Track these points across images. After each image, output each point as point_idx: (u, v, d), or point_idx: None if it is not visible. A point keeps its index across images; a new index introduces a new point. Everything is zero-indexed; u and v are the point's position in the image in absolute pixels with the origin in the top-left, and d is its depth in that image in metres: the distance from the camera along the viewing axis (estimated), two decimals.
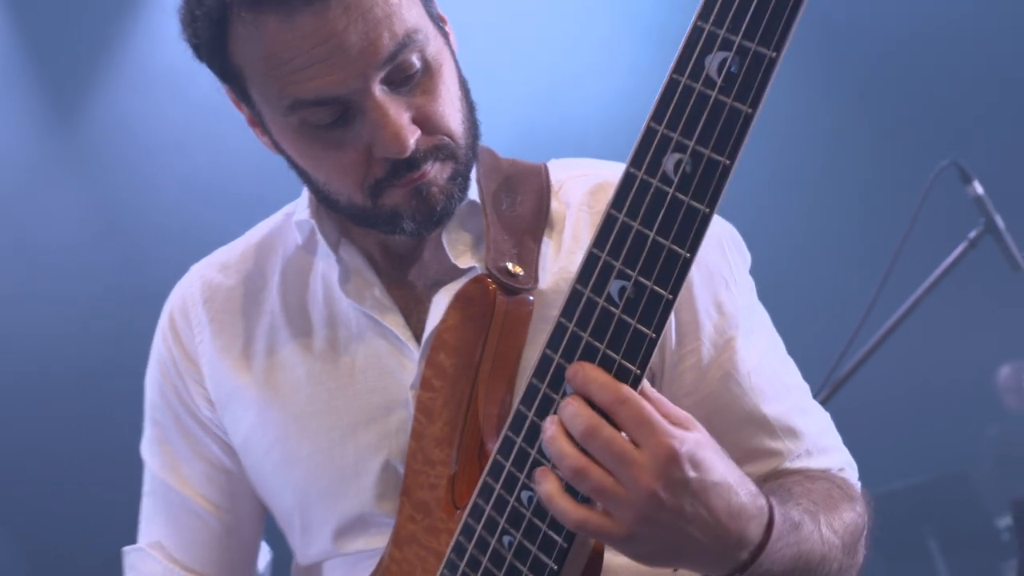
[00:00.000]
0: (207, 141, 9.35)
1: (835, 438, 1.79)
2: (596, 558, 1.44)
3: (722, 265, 1.70)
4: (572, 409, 1.29)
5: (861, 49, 8.88)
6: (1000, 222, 3.96)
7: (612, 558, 1.48)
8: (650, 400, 1.30)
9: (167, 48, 9.68)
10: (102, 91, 9.80)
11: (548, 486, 1.32)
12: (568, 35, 8.29)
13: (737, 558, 1.35)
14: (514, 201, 1.72)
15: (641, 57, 9.18)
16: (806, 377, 1.84)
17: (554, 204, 1.74)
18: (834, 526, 1.55)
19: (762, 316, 1.81)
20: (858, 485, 1.75)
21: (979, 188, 3.98)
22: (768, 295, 1.85)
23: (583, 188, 1.76)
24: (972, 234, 3.94)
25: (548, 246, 1.70)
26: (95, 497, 7.71)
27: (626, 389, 1.29)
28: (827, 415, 1.81)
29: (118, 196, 9.46)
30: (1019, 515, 4.70)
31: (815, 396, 1.91)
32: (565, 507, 1.30)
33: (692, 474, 1.27)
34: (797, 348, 1.89)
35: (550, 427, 1.32)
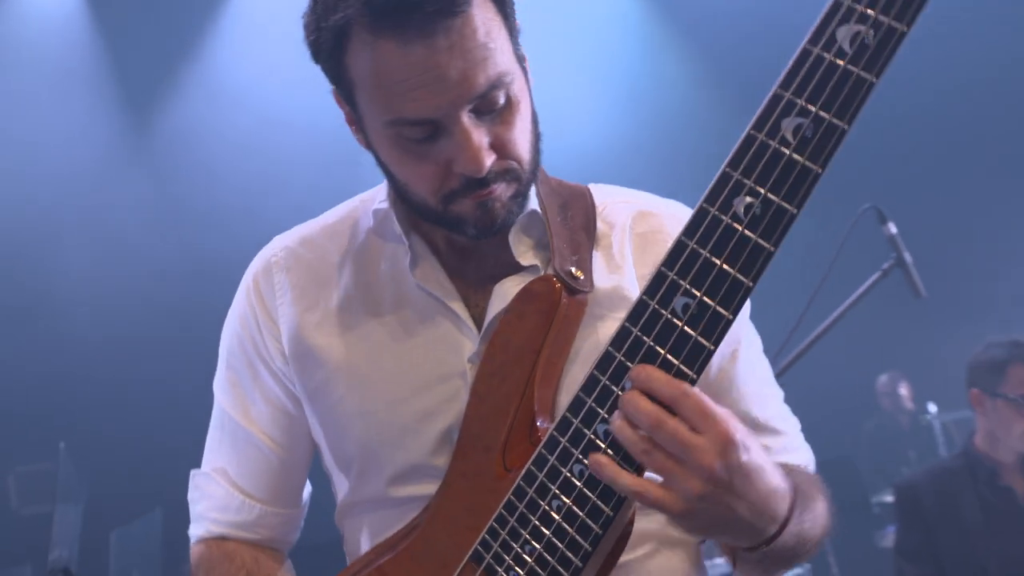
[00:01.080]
0: (263, 148, 9.55)
1: (802, 438, 1.94)
2: (629, 528, 1.55)
3: None
4: (637, 403, 1.39)
5: None
6: (908, 257, 4.25)
7: None
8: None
9: (236, 64, 9.87)
10: (175, 97, 10.03)
11: (606, 459, 1.43)
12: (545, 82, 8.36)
13: (768, 531, 1.48)
14: (566, 216, 1.81)
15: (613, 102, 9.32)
16: None
17: (599, 223, 1.84)
18: (815, 512, 1.68)
19: (751, 326, 1.94)
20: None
21: (893, 228, 4.28)
22: None
23: (627, 213, 1.86)
24: (885, 265, 4.23)
25: (597, 258, 1.80)
26: (152, 433, 8.22)
27: (687, 386, 1.40)
28: (796, 419, 1.95)
29: (181, 189, 9.74)
30: (900, 497, 4.97)
31: None
32: (624, 477, 1.41)
33: (744, 458, 1.39)
34: None
35: (617, 419, 1.43)
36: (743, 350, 1.85)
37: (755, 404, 1.84)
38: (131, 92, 9.69)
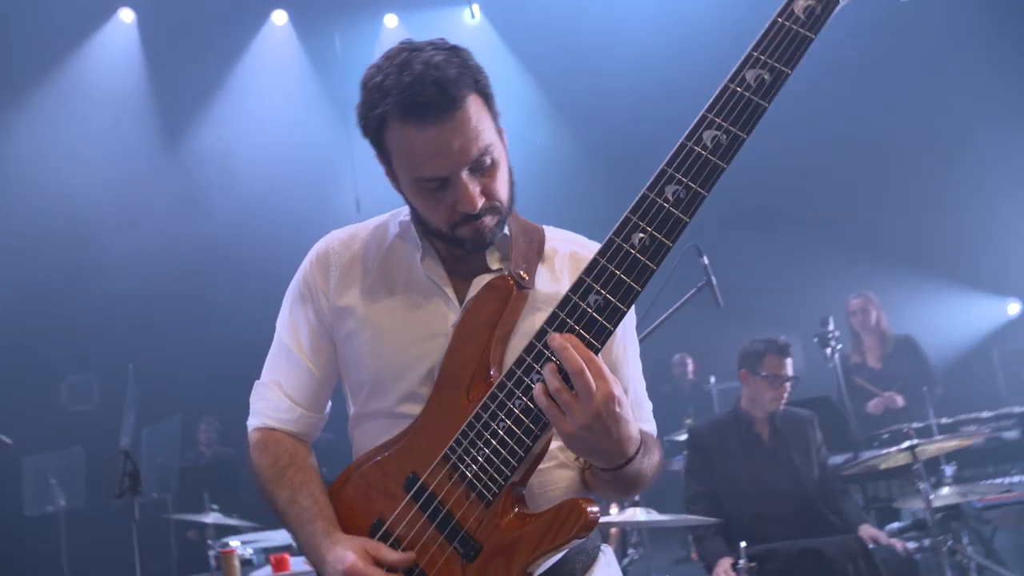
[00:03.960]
0: (271, 164, 9.24)
1: (652, 420, 2.03)
2: (547, 447, 1.68)
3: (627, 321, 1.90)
4: (572, 355, 1.52)
5: (628, 151, 9.12)
6: (714, 279, 4.30)
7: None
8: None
9: (254, 94, 9.66)
10: (204, 120, 9.77)
11: (539, 389, 1.56)
12: None
13: (619, 461, 1.62)
14: (523, 239, 1.89)
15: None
16: None
17: (547, 248, 1.93)
18: (652, 461, 1.80)
19: (634, 336, 2.03)
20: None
21: (706, 260, 4.35)
22: None
23: (567, 247, 1.95)
24: (699, 284, 4.28)
25: (542, 271, 1.89)
26: (170, 362, 8.15)
27: (592, 353, 1.55)
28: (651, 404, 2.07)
29: (204, 192, 9.43)
30: (691, 435, 5.21)
31: None
32: (545, 401, 1.55)
33: (618, 409, 1.54)
34: None
35: (549, 366, 1.55)
36: (630, 349, 1.96)
37: (631, 385, 1.94)
38: (168, 115, 9.51)
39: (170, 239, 9.02)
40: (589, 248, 1.92)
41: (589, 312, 1.56)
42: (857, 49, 7.76)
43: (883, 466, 4.75)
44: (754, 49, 1.54)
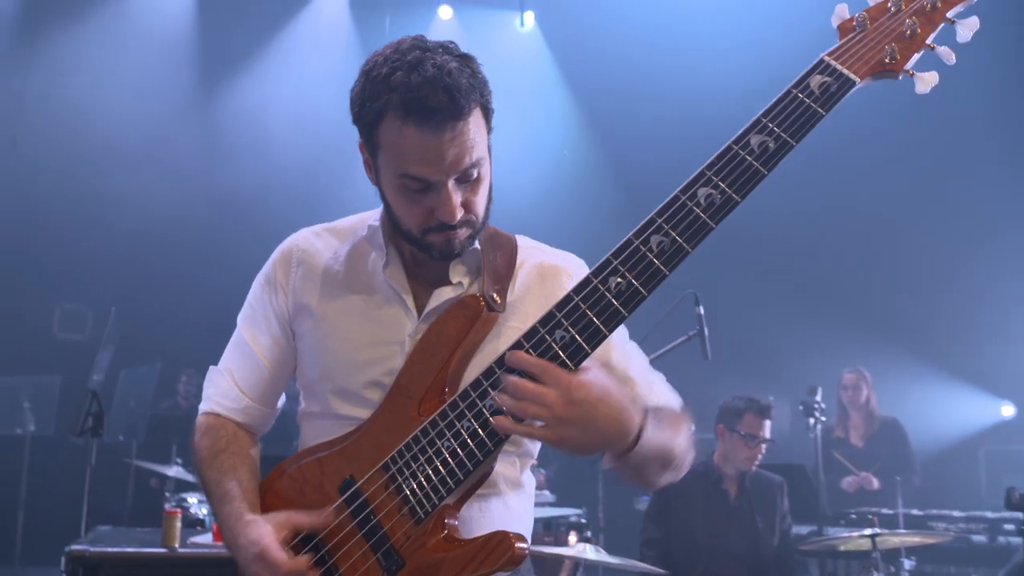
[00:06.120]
0: (307, 140, 9.34)
1: (670, 389, 1.93)
2: (490, 471, 1.67)
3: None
4: (509, 379, 1.52)
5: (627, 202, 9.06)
6: (706, 331, 4.22)
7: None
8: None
9: (295, 65, 9.66)
10: (242, 77, 9.74)
11: (506, 420, 1.54)
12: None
13: (626, 440, 1.56)
14: (495, 255, 1.86)
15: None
16: None
17: (517, 262, 1.89)
18: (676, 430, 1.74)
19: (634, 345, 1.94)
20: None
21: (701, 309, 4.26)
22: None
23: (535, 258, 1.91)
24: (691, 332, 4.21)
25: (512, 287, 1.84)
26: (168, 306, 8.29)
27: (541, 360, 1.53)
28: (669, 385, 1.95)
29: (228, 139, 9.48)
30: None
31: None
32: (518, 427, 1.53)
33: (581, 394, 1.50)
34: None
35: (500, 395, 1.54)
36: (616, 350, 1.84)
37: (630, 365, 1.85)
38: (211, 65, 9.48)
39: (191, 186, 8.99)
40: (557, 257, 1.90)
41: (554, 348, 1.53)
42: (886, 126, 7.73)
43: (843, 547, 4.71)
44: (764, 115, 1.52)
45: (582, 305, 1.52)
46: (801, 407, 5.43)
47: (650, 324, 3.94)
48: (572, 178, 10.00)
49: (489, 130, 1.74)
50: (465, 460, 1.58)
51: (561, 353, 1.52)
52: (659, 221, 1.51)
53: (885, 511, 5.25)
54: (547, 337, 1.53)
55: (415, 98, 1.60)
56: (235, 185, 8.89)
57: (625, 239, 1.53)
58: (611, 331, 1.51)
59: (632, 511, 6.94)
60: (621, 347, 1.86)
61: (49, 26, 8.97)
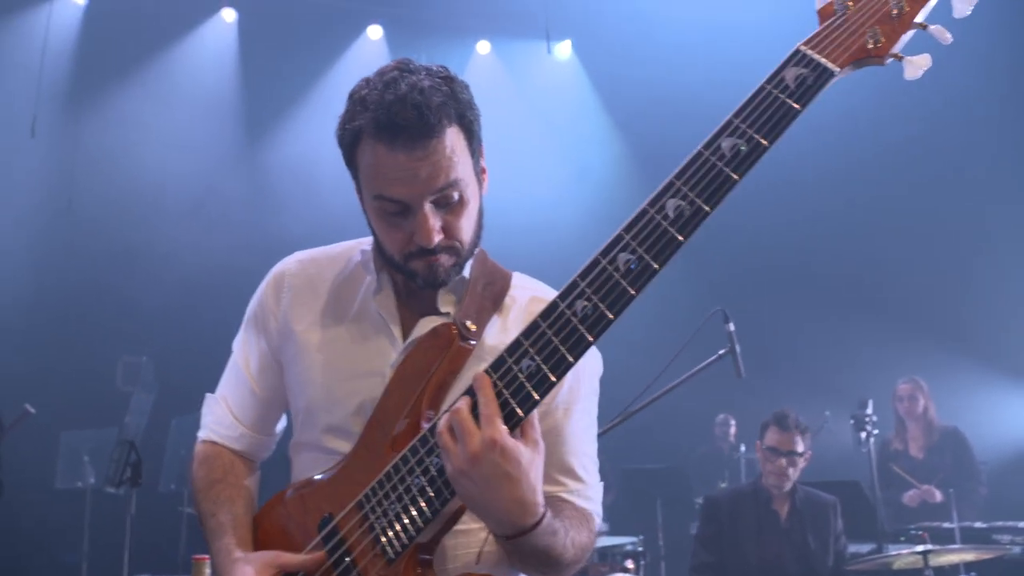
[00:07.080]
0: (351, 188, 9.35)
1: (598, 493, 1.84)
2: (464, 508, 1.55)
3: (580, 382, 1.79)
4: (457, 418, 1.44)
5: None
6: (738, 348, 4.06)
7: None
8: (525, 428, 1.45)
9: (336, 111, 9.82)
10: (284, 125, 9.78)
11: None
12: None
13: (509, 531, 1.46)
14: (485, 288, 1.79)
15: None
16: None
17: (507, 300, 1.81)
18: (575, 540, 1.63)
19: (593, 397, 1.85)
20: (597, 524, 1.81)
21: (732, 326, 4.11)
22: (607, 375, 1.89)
23: (526, 295, 1.83)
24: (721, 351, 4.04)
25: (496, 322, 1.77)
26: (212, 353, 8.08)
27: (491, 396, 1.44)
28: (601, 485, 1.87)
29: (272, 191, 9.51)
30: (706, 503, 5.00)
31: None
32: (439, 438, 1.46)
33: (498, 459, 1.39)
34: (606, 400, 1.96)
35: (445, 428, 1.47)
36: (575, 414, 1.78)
37: (571, 453, 1.77)
38: (254, 115, 9.58)
39: (238, 237, 9.08)
40: (550, 292, 1.78)
41: (520, 378, 1.43)
42: (920, 133, 7.53)
43: (895, 565, 4.47)
44: (735, 116, 1.41)
45: (548, 332, 1.43)
46: (852, 421, 5.22)
47: (678, 344, 3.82)
48: (618, 207, 9.87)
49: (474, 152, 1.67)
50: (434, 498, 1.50)
51: (527, 383, 1.42)
52: (626, 238, 1.41)
53: (947, 525, 4.99)
54: (513, 367, 1.44)
55: (385, 116, 1.56)
56: (283, 233, 8.93)
57: (592, 258, 1.43)
58: (577, 358, 1.40)
59: (689, 535, 6.78)
60: (565, 406, 1.76)
61: (98, 88, 9.16)
